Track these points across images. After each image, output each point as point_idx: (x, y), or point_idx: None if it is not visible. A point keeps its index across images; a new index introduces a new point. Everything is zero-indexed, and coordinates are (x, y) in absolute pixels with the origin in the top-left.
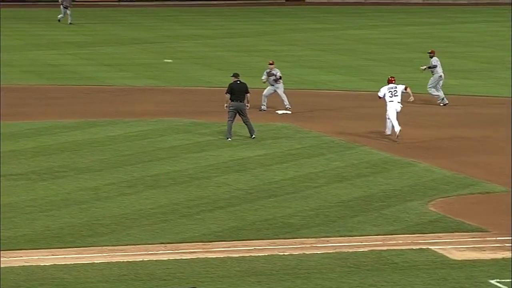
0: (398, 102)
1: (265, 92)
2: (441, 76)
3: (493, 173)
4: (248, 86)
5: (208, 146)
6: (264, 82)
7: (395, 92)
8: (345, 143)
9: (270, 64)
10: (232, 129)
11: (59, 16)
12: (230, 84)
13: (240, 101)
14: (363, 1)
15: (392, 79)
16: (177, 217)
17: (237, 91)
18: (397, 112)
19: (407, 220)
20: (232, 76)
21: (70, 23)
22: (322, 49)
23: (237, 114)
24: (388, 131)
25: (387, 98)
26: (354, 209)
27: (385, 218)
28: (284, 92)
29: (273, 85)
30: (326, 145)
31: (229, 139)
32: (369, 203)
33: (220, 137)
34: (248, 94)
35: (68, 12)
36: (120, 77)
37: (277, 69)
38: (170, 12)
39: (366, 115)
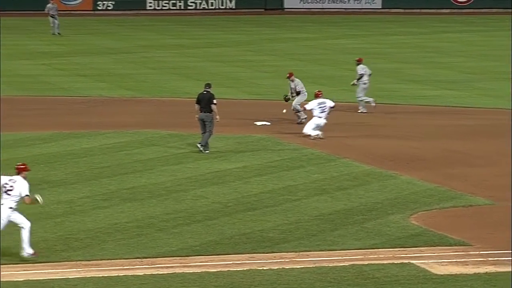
0: (325, 119)
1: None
2: (365, 83)
3: (476, 186)
4: (216, 96)
5: (186, 158)
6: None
7: (324, 107)
8: (325, 155)
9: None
10: (208, 140)
11: (51, 27)
12: (198, 94)
13: (205, 112)
14: (344, 10)
15: (319, 93)
16: (154, 231)
17: (203, 102)
18: (320, 126)
19: (388, 234)
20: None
21: (58, 33)
22: (302, 59)
23: None
24: (311, 132)
25: (316, 113)
26: (334, 222)
27: (366, 231)
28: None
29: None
30: (306, 158)
31: (206, 152)
32: (349, 216)
33: (197, 148)
34: (214, 106)
35: (56, 21)
36: (96, 87)
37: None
38: (147, 21)
39: (346, 126)
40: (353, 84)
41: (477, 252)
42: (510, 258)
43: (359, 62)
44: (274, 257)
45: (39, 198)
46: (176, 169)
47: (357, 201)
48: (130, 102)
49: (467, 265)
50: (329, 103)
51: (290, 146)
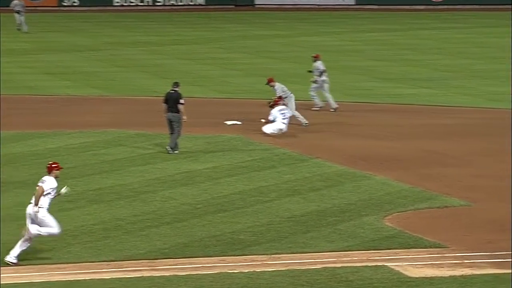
0: (286, 124)
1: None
2: (316, 81)
3: (452, 187)
4: (186, 95)
5: (154, 159)
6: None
7: (285, 114)
8: (297, 155)
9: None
10: (177, 141)
11: (17, 24)
12: (166, 94)
13: (173, 112)
14: (317, 7)
15: (279, 100)
16: (121, 233)
17: (170, 101)
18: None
19: (362, 236)
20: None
21: (25, 31)
22: (274, 56)
23: None
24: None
25: (280, 119)
26: (306, 224)
27: (339, 233)
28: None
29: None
30: (278, 158)
31: (175, 152)
32: (322, 218)
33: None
34: (181, 106)
35: (22, 19)
36: (62, 86)
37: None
38: (114, 18)
39: (319, 126)
40: (315, 81)
41: (453, 254)
42: (510, 260)
43: (316, 58)
44: (245, 260)
45: (65, 190)
46: (144, 169)
47: (330, 202)
48: (97, 101)
49: (443, 267)
50: (289, 111)
51: (261, 146)
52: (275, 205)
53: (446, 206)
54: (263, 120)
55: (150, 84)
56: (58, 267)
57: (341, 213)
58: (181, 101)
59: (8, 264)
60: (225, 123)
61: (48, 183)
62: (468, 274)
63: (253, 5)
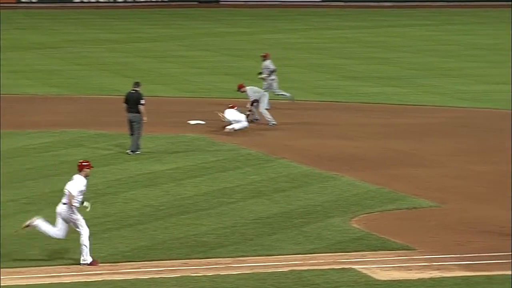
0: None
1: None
2: (265, 80)
3: (420, 187)
4: (144, 95)
5: (115, 159)
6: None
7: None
8: (262, 155)
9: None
10: (138, 142)
11: None
12: (127, 93)
13: (133, 112)
14: (282, 3)
15: (233, 106)
16: None
17: (131, 101)
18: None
19: (328, 238)
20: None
21: None
22: (238, 54)
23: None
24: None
25: (242, 118)
26: (272, 226)
27: (306, 235)
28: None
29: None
30: (243, 158)
31: (136, 153)
32: (288, 220)
33: (128, 149)
34: (141, 106)
35: None
36: (20, 85)
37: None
38: (74, 15)
39: (284, 126)
40: (262, 79)
41: (421, 257)
42: (510, 261)
43: (265, 57)
44: (209, 262)
45: (87, 204)
46: (105, 170)
47: (296, 203)
48: (56, 100)
49: (411, 270)
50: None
51: (226, 146)
52: (239, 207)
53: (414, 207)
54: (220, 114)
55: (111, 82)
56: (17, 271)
57: (307, 215)
58: (142, 101)
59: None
60: (188, 123)
61: (77, 183)
62: (437, 276)
63: (217, 1)
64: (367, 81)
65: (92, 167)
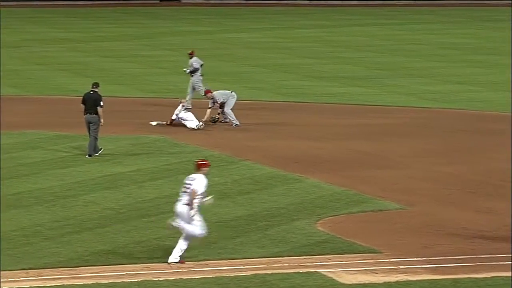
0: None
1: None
2: (201, 75)
3: (386, 190)
4: (105, 95)
5: (75, 161)
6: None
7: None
8: (225, 157)
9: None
10: (95, 145)
11: None
12: (85, 94)
13: (91, 113)
14: (245, 2)
15: (184, 101)
16: (41, 239)
17: (89, 102)
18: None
19: (293, 241)
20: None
21: None
22: (200, 54)
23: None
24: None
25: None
26: (235, 229)
27: (270, 239)
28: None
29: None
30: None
31: (95, 155)
32: (252, 222)
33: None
34: (100, 108)
35: None
36: None
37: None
38: (33, 13)
39: (248, 126)
40: (189, 73)
41: (387, 260)
42: (510, 263)
43: (191, 55)
44: (171, 267)
45: (210, 200)
46: (65, 172)
47: (260, 206)
48: (14, 101)
49: (377, 273)
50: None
51: (188, 148)
52: (202, 210)
53: (380, 210)
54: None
55: (70, 83)
56: None
57: (271, 218)
58: (101, 103)
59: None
60: (150, 124)
61: (202, 182)
62: (403, 280)
63: (179, 0)
64: (332, 81)
65: (209, 165)
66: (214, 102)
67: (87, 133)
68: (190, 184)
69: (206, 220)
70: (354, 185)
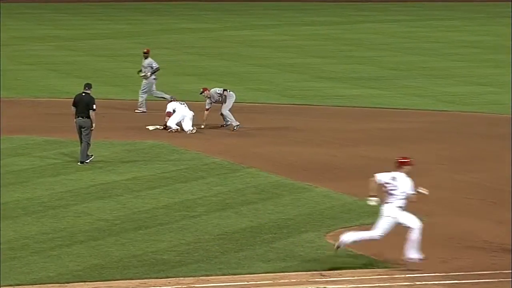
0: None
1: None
2: (155, 79)
3: None
4: (98, 98)
5: (66, 169)
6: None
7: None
8: (228, 164)
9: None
10: (87, 151)
11: None
12: (76, 96)
13: (83, 117)
14: None
15: (174, 99)
16: (28, 253)
17: (81, 105)
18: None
19: (301, 255)
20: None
21: None
22: (201, 53)
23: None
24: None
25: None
26: (239, 242)
27: (276, 252)
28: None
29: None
30: (206, 167)
31: (87, 162)
32: (257, 235)
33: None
34: (92, 112)
35: None
36: None
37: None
38: (20, 9)
39: (252, 131)
40: (143, 76)
41: (403, 276)
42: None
43: (147, 54)
44: (169, 282)
45: (423, 190)
46: (55, 181)
47: (265, 217)
48: (0, 103)
49: None
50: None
51: (188, 154)
52: (203, 221)
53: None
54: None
55: (60, 84)
56: None
57: (278, 230)
58: (94, 106)
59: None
60: (147, 128)
61: (406, 182)
62: None
63: None
64: (343, 82)
65: (413, 164)
66: (211, 102)
67: (78, 139)
68: (394, 186)
69: (206, 232)
70: (366, 194)
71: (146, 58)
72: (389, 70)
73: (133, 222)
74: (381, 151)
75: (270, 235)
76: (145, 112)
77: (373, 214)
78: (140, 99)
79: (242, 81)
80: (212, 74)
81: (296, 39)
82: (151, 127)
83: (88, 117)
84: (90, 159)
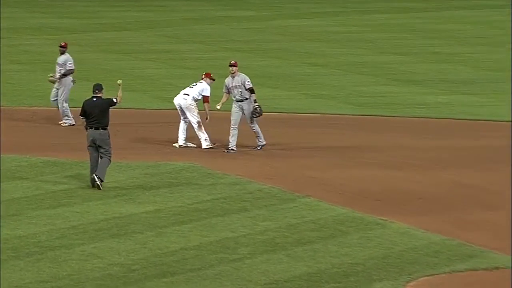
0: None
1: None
2: (73, 81)
3: (503, 238)
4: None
5: (69, 198)
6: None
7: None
8: (278, 192)
9: (232, 65)
10: (107, 167)
11: None
12: (84, 103)
13: (97, 128)
14: None
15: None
16: None
17: (92, 113)
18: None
19: None
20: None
21: None
22: (242, 49)
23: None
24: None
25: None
26: None
27: None
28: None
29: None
30: (251, 196)
31: (97, 183)
32: (315, 284)
33: (87, 183)
34: (115, 103)
35: None
36: None
37: (244, 75)
38: None
39: (307, 150)
40: (51, 80)
41: None
42: None
43: (64, 48)
44: None
45: None
46: (55, 214)
47: (327, 261)
48: None
49: None
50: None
51: (227, 179)
52: (246, 266)
53: (496, 268)
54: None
55: None
56: None
57: (343, 278)
58: (114, 100)
59: None
60: (174, 146)
61: None
62: None
63: None
64: (427, 86)
65: None
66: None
67: (89, 156)
68: None
69: (250, 281)
70: (458, 232)
71: (62, 53)
72: (487, 71)
73: (155, 268)
74: (475, 175)
75: (333, 284)
76: (73, 124)
77: (468, 258)
78: (63, 108)
79: (296, 85)
80: (258, 77)
81: (366, 30)
82: (179, 144)
83: (105, 127)
84: (99, 183)
